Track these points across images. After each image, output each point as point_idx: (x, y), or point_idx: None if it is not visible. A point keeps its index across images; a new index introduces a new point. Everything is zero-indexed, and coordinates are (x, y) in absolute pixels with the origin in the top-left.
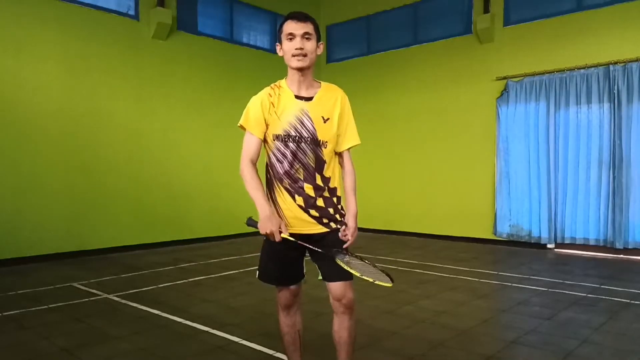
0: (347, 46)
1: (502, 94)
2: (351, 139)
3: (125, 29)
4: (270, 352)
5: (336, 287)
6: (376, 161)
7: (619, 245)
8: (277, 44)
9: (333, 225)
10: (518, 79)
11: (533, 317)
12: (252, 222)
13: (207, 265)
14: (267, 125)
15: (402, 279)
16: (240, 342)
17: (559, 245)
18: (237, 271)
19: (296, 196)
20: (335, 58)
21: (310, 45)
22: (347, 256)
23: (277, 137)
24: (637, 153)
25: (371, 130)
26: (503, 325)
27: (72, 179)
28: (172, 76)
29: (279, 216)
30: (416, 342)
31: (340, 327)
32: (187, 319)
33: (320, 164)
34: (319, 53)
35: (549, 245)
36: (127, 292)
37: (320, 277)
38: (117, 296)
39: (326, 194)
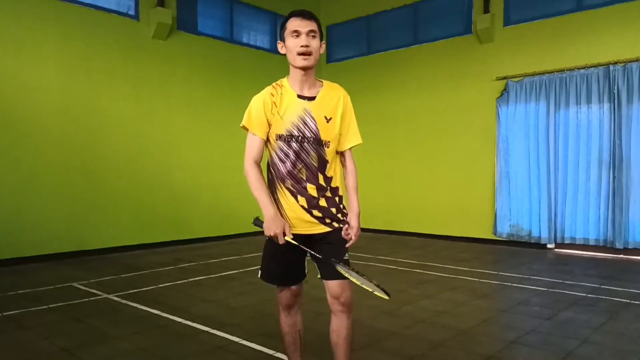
0: (347, 46)
1: (502, 94)
2: (353, 138)
3: (125, 29)
4: (271, 352)
5: (334, 285)
6: (376, 161)
7: (619, 245)
8: (279, 41)
9: (335, 224)
10: (518, 79)
11: (533, 317)
12: (258, 222)
13: (207, 265)
14: (269, 125)
15: (402, 279)
16: (240, 342)
17: (559, 245)
18: (237, 271)
19: (299, 196)
20: (336, 58)
21: (315, 43)
22: (347, 268)
23: (279, 137)
24: (637, 153)
25: (371, 130)
26: (503, 325)
27: (72, 179)
28: (172, 76)
29: (282, 217)
30: (416, 342)
31: (338, 326)
32: (187, 319)
33: (323, 163)
34: (321, 52)
35: (549, 245)
36: (127, 292)
37: (319, 276)
38: (117, 296)
39: (328, 193)
